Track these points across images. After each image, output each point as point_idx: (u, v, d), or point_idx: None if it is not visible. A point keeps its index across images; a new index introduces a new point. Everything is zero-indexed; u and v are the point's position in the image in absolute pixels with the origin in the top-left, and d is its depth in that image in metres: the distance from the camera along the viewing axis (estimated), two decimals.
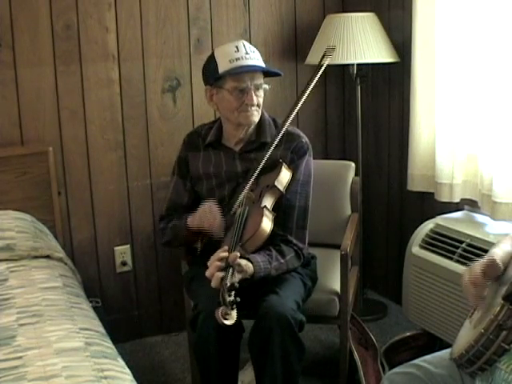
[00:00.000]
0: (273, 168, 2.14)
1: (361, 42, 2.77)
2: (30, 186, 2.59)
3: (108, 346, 1.71)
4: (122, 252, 2.94)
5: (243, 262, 1.93)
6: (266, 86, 2.18)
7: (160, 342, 2.99)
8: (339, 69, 3.14)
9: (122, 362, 1.63)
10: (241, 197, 2.12)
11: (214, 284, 1.88)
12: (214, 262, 1.92)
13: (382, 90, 3.15)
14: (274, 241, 2.09)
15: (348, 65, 2.94)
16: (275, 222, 2.07)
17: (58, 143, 2.72)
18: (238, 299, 1.80)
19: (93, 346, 1.65)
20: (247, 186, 2.12)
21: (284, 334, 1.95)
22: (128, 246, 2.94)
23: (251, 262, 1.97)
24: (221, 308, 1.77)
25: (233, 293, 1.81)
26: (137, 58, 2.80)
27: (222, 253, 1.94)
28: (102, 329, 1.84)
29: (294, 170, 2.18)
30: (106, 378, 1.48)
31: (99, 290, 2.90)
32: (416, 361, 1.63)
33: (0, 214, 2.44)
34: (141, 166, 2.90)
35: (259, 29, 3.02)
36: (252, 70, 2.13)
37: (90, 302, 2.20)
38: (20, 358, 1.56)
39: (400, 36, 2.92)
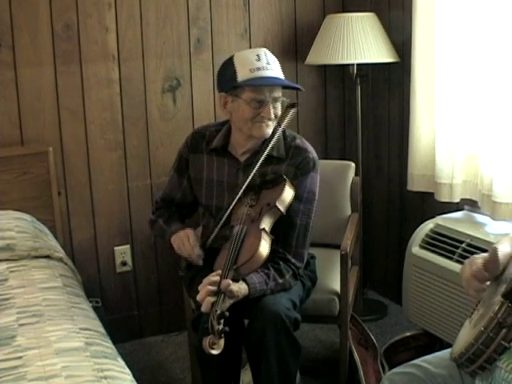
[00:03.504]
0: (276, 183, 2.07)
1: (361, 41, 2.77)
2: (30, 186, 2.59)
3: (108, 345, 1.71)
4: (122, 252, 2.94)
5: (235, 287, 1.89)
6: (283, 99, 2.10)
7: (160, 342, 2.99)
8: (339, 69, 3.14)
9: (122, 362, 1.63)
10: (231, 207, 2.08)
11: (204, 309, 1.84)
12: (205, 286, 1.89)
13: (382, 90, 3.15)
14: (272, 258, 2.04)
15: (348, 65, 2.94)
16: (275, 238, 2.03)
17: (58, 143, 2.72)
18: (227, 329, 1.77)
19: (93, 346, 1.65)
20: (236, 198, 2.08)
21: (278, 333, 1.94)
22: (128, 246, 2.94)
23: (247, 283, 1.94)
24: (208, 337, 1.75)
25: (222, 321, 1.78)
26: (137, 58, 2.80)
27: (214, 277, 1.91)
28: (101, 329, 1.84)
29: (297, 186, 2.10)
30: (105, 377, 1.48)
31: (99, 290, 2.90)
32: (416, 361, 1.63)
33: (0, 213, 2.44)
34: (141, 166, 2.90)
35: (259, 29, 3.02)
36: (273, 83, 2.06)
37: (90, 302, 2.20)
38: (20, 357, 1.56)
39: (400, 36, 2.92)
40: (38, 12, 2.60)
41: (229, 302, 1.87)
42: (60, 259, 2.30)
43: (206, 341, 1.75)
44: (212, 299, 1.84)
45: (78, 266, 2.48)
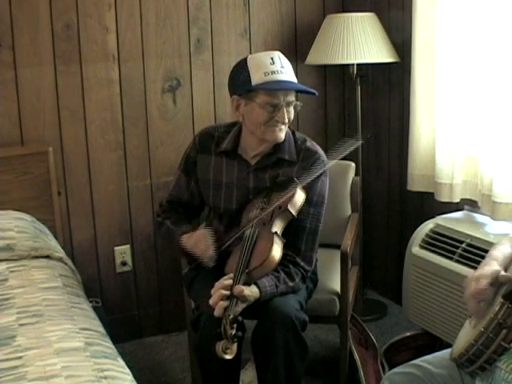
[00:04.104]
0: (287, 186, 2.04)
1: (361, 41, 2.77)
2: (30, 186, 2.58)
3: (108, 345, 1.71)
4: (122, 252, 2.94)
5: (247, 291, 1.88)
6: (297, 103, 2.08)
7: (160, 342, 2.99)
8: (339, 69, 3.14)
9: (122, 362, 1.63)
10: (254, 221, 2.04)
11: (217, 313, 1.82)
12: (218, 290, 1.87)
13: (382, 90, 3.15)
14: (281, 261, 2.02)
15: (348, 65, 2.94)
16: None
17: (58, 143, 2.72)
18: (240, 333, 1.76)
19: (93, 346, 1.65)
20: (260, 217, 2.02)
21: (288, 334, 1.94)
22: (128, 246, 2.94)
23: (258, 287, 1.93)
24: (222, 342, 1.74)
25: (235, 325, 1.77)
26: (137, 58, 2.80)
27: (227, 280, 1.89)
28: (101, 329, 1.84)
29: (308, 189, 2.08)
30: (105, 377, 1.48)
31: (99, 290, 2.90)
32: (416, 361, 1.63)
33: (0, 213, 2.44)
34: (141, 166, 2.90)
35: (259, 29, 3.02)
36: (289, 87, 2.03)
37: (90, 302, 2.20)
38: (20, 357, 1.56)
39: (400, 36, 2.92)
40: (38, 12, 2.60)
41: (241, 307, 1.86)
42: (60, 259, 2.30)
43: (219, 346, 1.73)
44: (225, 304, 1.83)
45: (78, 266, 2.47)
